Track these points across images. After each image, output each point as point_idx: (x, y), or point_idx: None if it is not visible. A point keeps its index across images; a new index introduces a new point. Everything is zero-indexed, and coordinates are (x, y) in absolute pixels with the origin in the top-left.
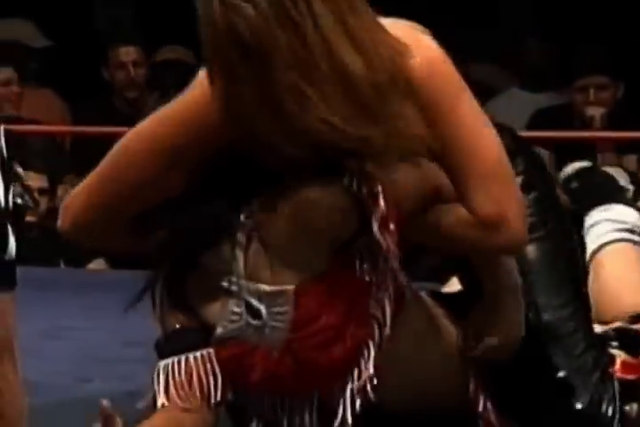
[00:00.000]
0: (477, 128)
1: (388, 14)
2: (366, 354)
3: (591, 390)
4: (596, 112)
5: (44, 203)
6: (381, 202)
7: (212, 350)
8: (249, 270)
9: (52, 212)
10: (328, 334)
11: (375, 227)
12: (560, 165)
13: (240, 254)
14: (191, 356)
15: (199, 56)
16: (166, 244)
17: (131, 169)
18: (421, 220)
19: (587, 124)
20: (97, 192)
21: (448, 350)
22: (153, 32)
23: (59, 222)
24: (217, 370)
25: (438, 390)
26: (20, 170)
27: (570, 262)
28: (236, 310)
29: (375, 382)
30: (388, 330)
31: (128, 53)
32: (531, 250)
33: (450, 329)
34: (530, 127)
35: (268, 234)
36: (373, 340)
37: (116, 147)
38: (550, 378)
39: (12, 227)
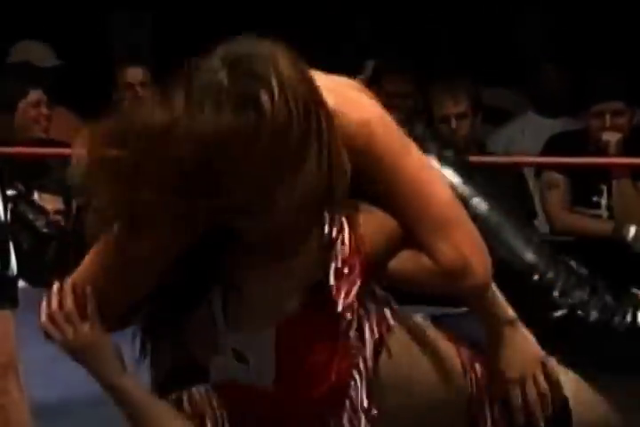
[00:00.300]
0: (424, 182)
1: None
2: (355, 385)
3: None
4: (611, 138)
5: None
6: (342, 246)
7: (210, 386)
8: (230, 322)
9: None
10: (314, 372)
11: (331, 271)
12: (575, 190)
13: (218, 308)
14: (194, 390)
15: None
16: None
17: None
18: (387, 266)
19: (602, 149)
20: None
21: (445, 372)
22: (171, 54)
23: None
24: (219, 404)
25: (439, 418)
26: (37, 198)
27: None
28: (225, 356)
29: (373, 411)
30: (370, 361)
31: (135, 74)
32: (493, 216)
33: (448, 353)
34: (545, 152)
35: (248, 284)
36: (359, 371)
37: (92, 254)
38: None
39: (13, 244)
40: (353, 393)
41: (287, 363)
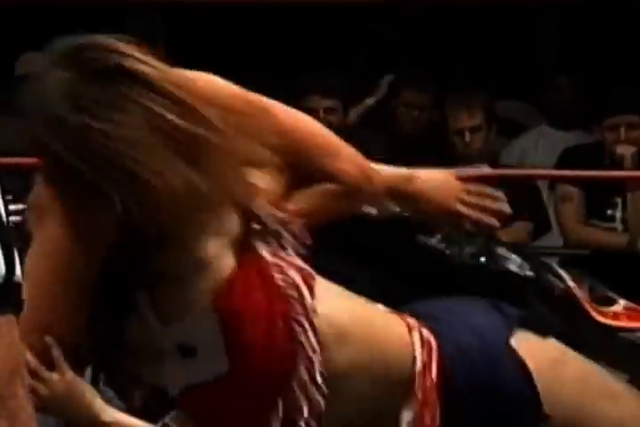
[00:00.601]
0: (307, 120)
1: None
2: (302, 330)
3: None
4: (626, 151)
5: None
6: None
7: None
8: (165, 316)
9: None
10: (261, 324)
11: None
12: (590, 203)
13: (147, 307)
14: (167, 420)
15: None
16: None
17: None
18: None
19: (617, 162)
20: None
21: (385, 327)
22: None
23: None
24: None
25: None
26: None
27: None
28: (170, 359)
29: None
30: (309, 306)
31: None
32: None
33: (386, 312)
34: (559, 165)
35: (174, 265)
36: (301, 315)
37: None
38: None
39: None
40: (303, 338)
41: (233, 330)
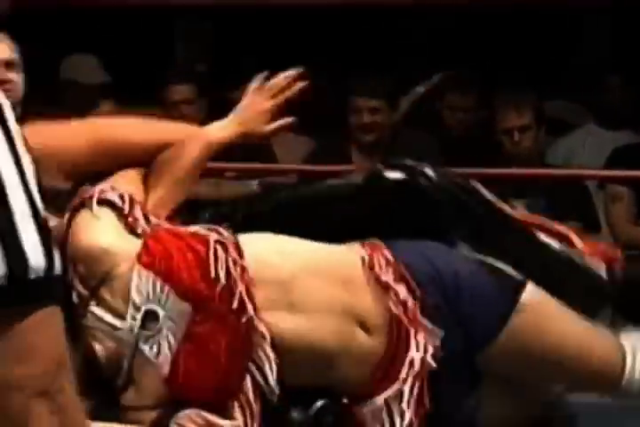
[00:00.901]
0: (123, 124)
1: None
2: (230, 250)
3: None
4: None
5: None
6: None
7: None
8: (117, 313)
9: None
10: (187, 253)
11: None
12: None
13: (99, 311)
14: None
15: None
16: None
17: None
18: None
19: None
20: None
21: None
22: (233, 68)
23: None
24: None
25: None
26: None
27: None
28: (148, 343)
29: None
30: (229, 234)
31: (179, 92)
32: None
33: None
34: (609, 165)
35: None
36: (221, 239)
37: None
38: None
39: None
40: (232, 255)
41: (169, 271)
